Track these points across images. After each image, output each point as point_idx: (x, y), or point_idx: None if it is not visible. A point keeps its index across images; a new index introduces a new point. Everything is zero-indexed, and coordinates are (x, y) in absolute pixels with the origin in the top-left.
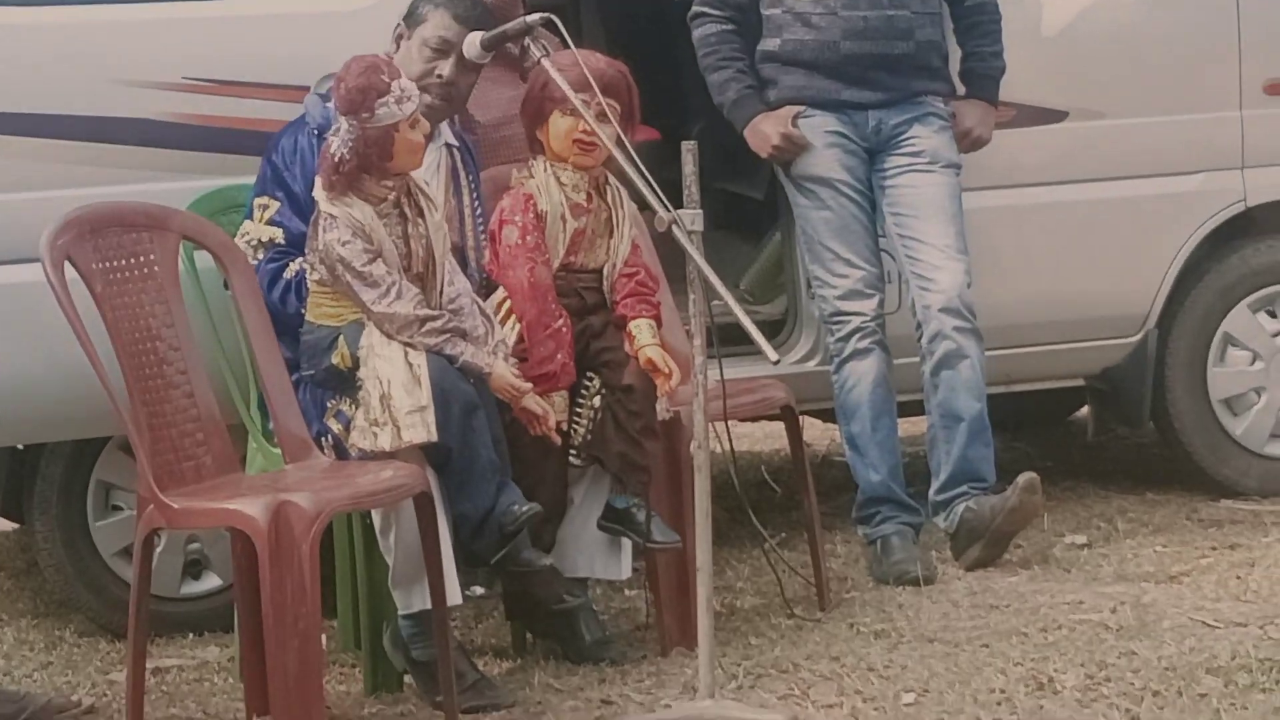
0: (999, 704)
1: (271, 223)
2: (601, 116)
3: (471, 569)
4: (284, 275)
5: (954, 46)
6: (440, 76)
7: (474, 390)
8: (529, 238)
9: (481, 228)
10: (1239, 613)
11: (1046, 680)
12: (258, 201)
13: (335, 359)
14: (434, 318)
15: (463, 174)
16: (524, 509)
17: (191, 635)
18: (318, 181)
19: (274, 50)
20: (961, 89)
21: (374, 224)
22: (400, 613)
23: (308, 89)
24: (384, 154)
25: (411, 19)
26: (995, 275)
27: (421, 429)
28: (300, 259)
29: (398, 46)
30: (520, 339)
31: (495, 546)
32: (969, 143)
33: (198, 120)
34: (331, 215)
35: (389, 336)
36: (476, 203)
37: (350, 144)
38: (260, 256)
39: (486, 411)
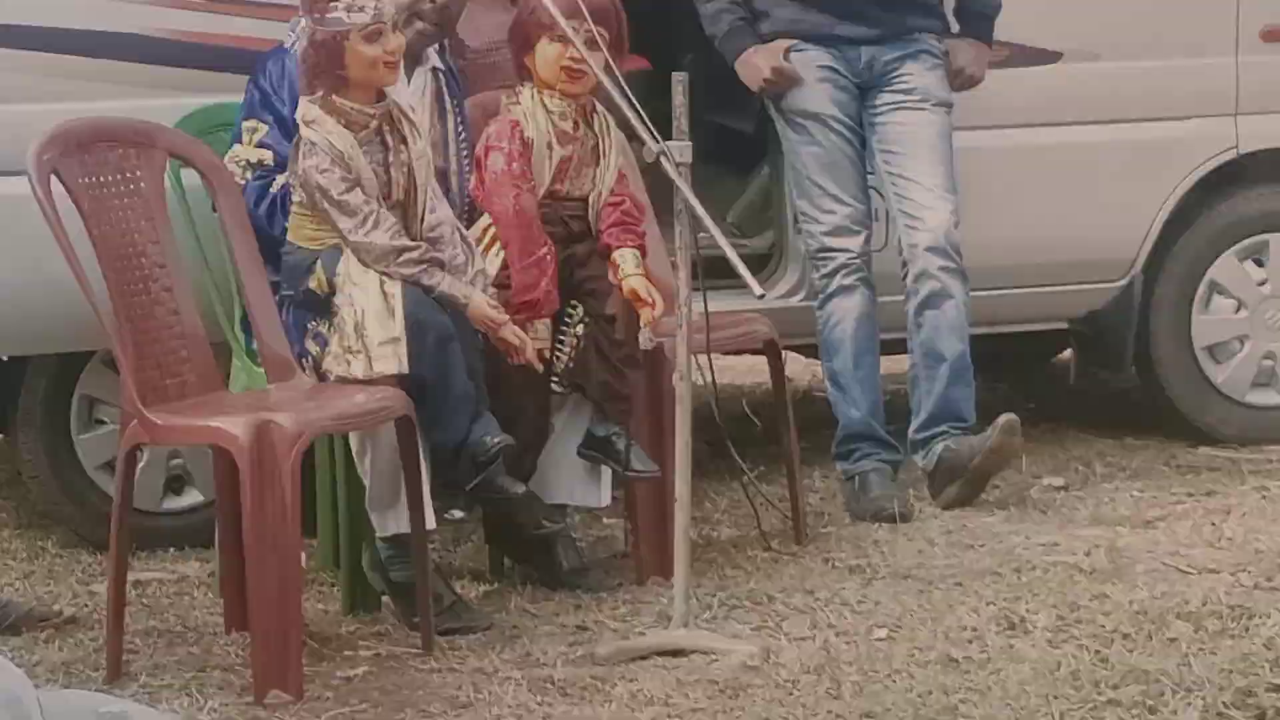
0: (970, 642)
1: (260, 145)
2: (590, 44)
3: (448, 494)
4: (270, 191)
5: None
6: (433, 1)
7: (450, 321)
8: (515, 164)
9: (466, 153)
10: (1212, 559)
11: (1018, 620)
12: (246, 124)
13: (313, 283)
14: (411, 248)
15: (448, 99)
16: (496, 439)
17: (172, 550)
18: (301, 102)
19: None
20: (956, 27)
21: (353, 152)
22: (377, 535)
23: (296, 8)
24: (334, 62)
25: None
26: (983, 216)
27: (393, 360)
28: (285, 175)
29: None
30: (504, 266)
31: (469, 475)
32: (961, 81)
33: (189, 37)
34: (311, 142)
35: (365, 265)
36: (461, 128)
37: (304, 45)
38: (248, 177)
39: (464, 342)
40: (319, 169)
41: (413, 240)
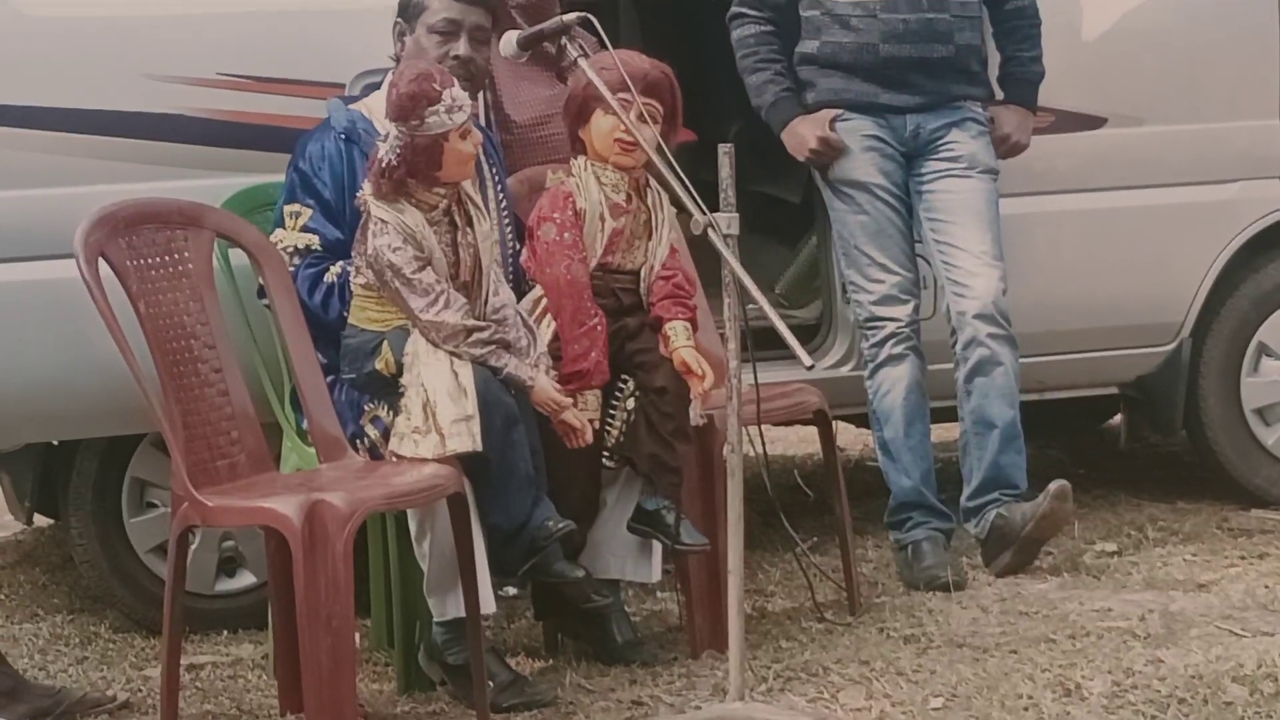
0: (1026, 710)
1: (305, 229)
2: (643, 118)
3: (501, 577)
4: (324, 279)
5: (993, 51)
6: (457, 57)
7: (515, 402)
8: (567, 234)
9: (507, 220)
10: (1266, 622)
11: (1074, 686)
12: (288, 209)
13: (379, 364)
14: (480, 328)
15: (485, 165)
16: (558, 525)
17: (226, 632)
18: (366, 186)
19: (309, 46)
20: (1000, 94)
21: (424, 231)
22: (435, 619)
23: (342, 86)
24: (432, 163)
25: (409, 11)
26: (1031, 282)
27: (467, 438)
28: (340, 263)
29: (403, 44)
30: (555, 336)
31: (525, 557)
32: (1007, 148)
33: (232, 116)
34: (383, 220)
35: (434, 345)
36: (501, 194)
37: (399, 151)
38: (296, 263)
39: (526, 424)
40: (391, 247)
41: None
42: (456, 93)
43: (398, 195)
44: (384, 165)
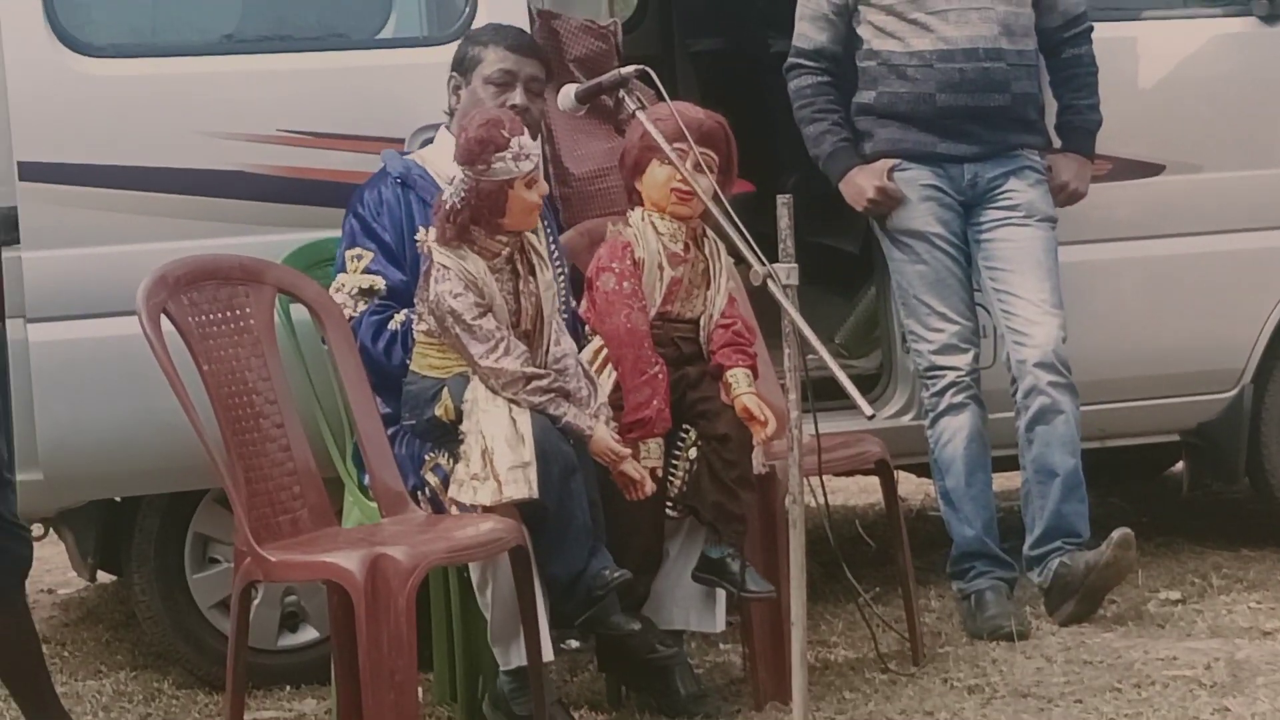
0: None
1: (368, 271)
2: (698, 167)
3: (561, 629)
4: (389, 327)
5: (1050, 99)
6: (514, 106)
7: (574, 452)
8: (626, 284)
9: (560, 272)
10: None
11: None
12: (349, 253)
13: (439, 411)
14: (540, 376)
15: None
16: (614, 575)
17: (289, 687)
18: (430, 232)
19: (369, 102)
20: (1057, 142)
21: (486, 278)
22: (501, 669)
23: (402, 141)
24: (496, 209)
25: (463, 65)
26: (1091, 330)
27: (524, 485)
28: (405, 310)
29: (457, 98)
30: (616, 386)
31: (582, 609)
32: (1065, 196)
33: (292, 173)
34: (445, 266)
35: (494, 392)
36: (554, 246)
37: (463, 195)
38: (361, 308)
39: (584, 474)
40: (453, 293)
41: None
42: (525, 141)
43: (461, 241)
44: (449, 209)
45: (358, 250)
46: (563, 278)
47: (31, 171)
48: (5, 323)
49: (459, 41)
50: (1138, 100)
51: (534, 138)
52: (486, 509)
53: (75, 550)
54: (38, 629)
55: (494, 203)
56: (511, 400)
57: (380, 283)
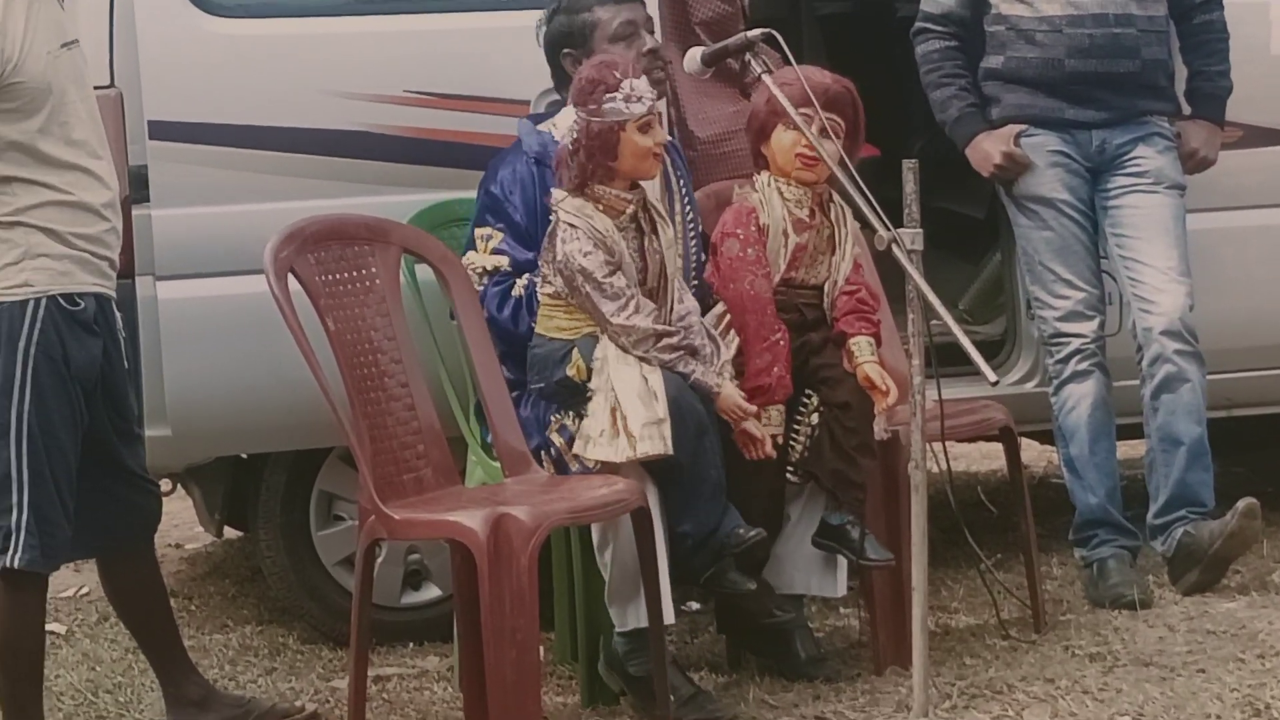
0: None
1: (495, 252)
2: (824, 132)
3: (682, 586)
4: (512, 294)
5: (1180, 65)
6: (651, 51)
7: (705, 410)
8: (750, 250)
9: (693, 232)
10: None
11: (1263, 707)
12: (479, 232)
13: (570, 371)
14: (670, 333)
15: (673, 177)
16: (750, 533)
17: (411, 644)
18: (555, 191)
19: (495, 64)
20: (1187, 109)
21: (614, 236)
22: (616, 630)
23: (528, 103)
24: (608, 151)
25: (576, 37)
26: (1218, 298)
27: (659, 441)
28: (526, 275)
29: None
30: (738, 352)
31: (709, 564)
32: (1194, 164)
33: (419, 134)
34: (572, 225)
35: (624, 350)
36: (688, 206)
37: (576, 134)
38: (485, 282)
39: (714, 432)
40: (583, 252)
41: None
42: (638, 84)
43: (583, 190)
44: (564, 151)
45: (487, 230)
46: (695, 239)
47: (161, 130)
48: (135, 280)
49: (558, 18)
50: (1269, 67)
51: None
52: (616, 466)
53: (202, 506)
54: (166, 583)
55: (605, 144)
56: (642, 358)
57: (505, 263)
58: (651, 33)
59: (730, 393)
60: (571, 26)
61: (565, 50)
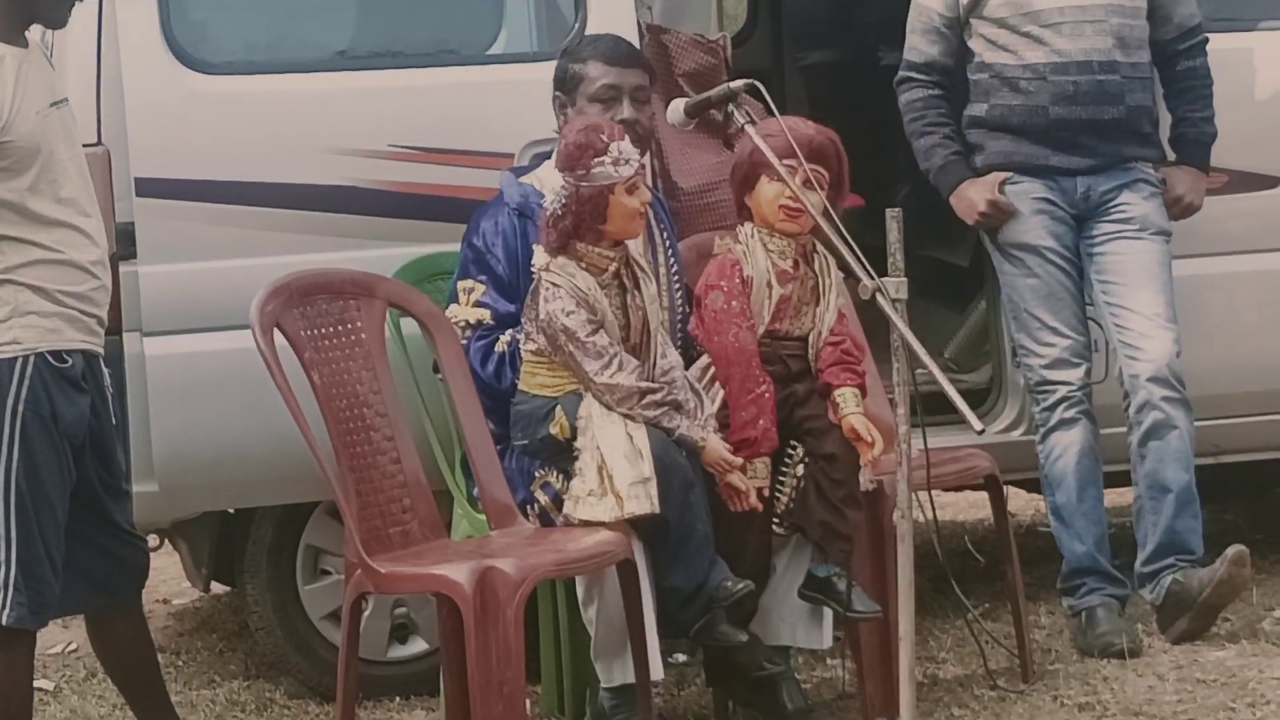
0: None
1: (478, 304)
2: (808, 183)
3: (671, 640)
4: (495, 349)
5: (1164, 111)
6: (623, 120)
7: (690, 465)
8: (734, 303)
9: (678, 285)
10: None
11: None
12: (461, 284)
13: (554, 429)
14: (654, 389)
15: (656, 230)
16: (738, 585)
17: (398, 698)
18: (537, 249)
19: (478, 118)
20: (1172, 155)
21: (596, 294)
22: (602, 685)
23: (512, 157)
24: (597, 215)
25: (567, 84)
26: (1205, 344)
27: (645, 500)
28: (510, 331)
29: (565, 118)
30: (723, 404)
31: (698, 618)
32: (1180, 210)
33: (404, 188)
34: (554, 284)
35: (608, 408)
36: (673, 259)
37: (564, 201)
38: (467, 336)
39: (700, 485)
40: (565, 311)
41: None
42: (625, 146)
43: (566, 253)
44: (550, 215)
45: (470, 283)
46: (680, 291)
47: (148, 187)
48: (122, 336)
49: (559, 59)
50: (1253, 112)
51: (646, 146)
52: (604, 525)
53: (190, 561)
54: (153, 638)
55: (595, 209)
56: (626, 415)
57: (487, 315)
58: (642, 103)
59: (715, 446)
60: (566, 72)
61: (556, 93)
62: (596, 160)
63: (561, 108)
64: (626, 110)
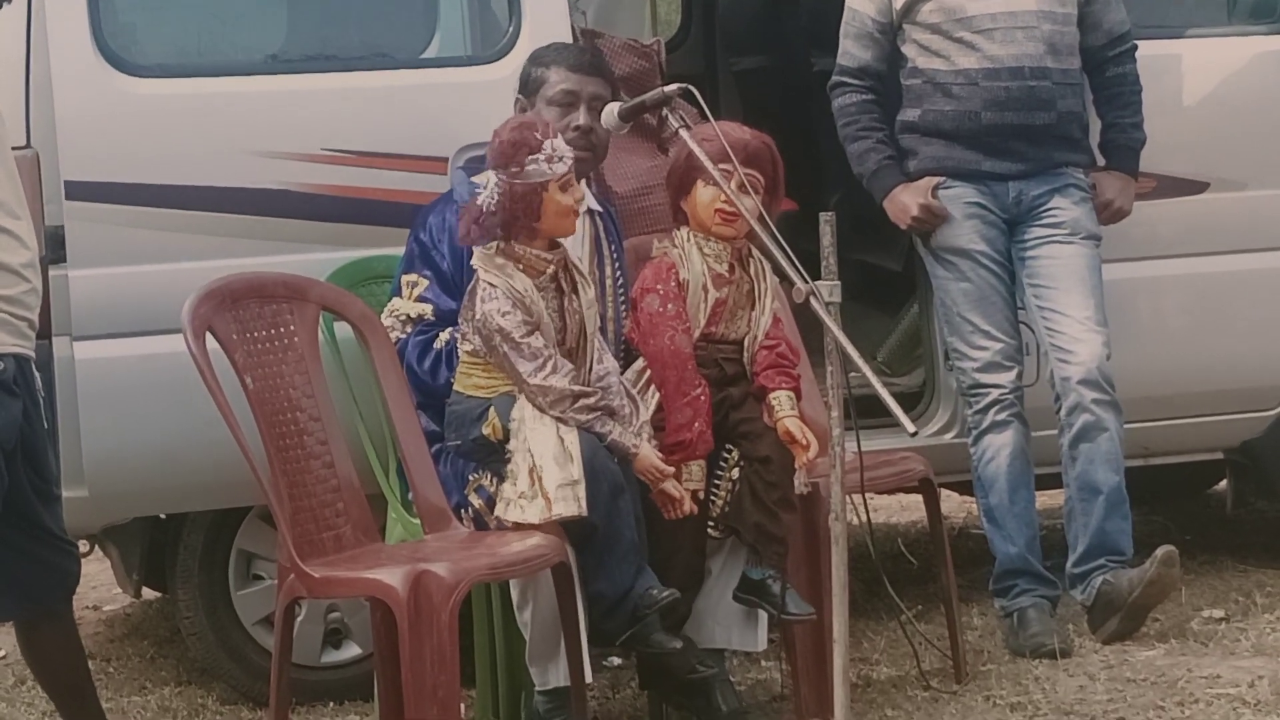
0: None
1: (420, 299)
2: (744, 188)
3: (601, 646)
4: (434, 346)
5: (1094, 117)
6: (578, 127)
7: (620, 470)
8: (670, 306)
9: (623, 297)
10: None
11: None
12: (405, 278)
13: (486, 430)
14: (587, 394)
15: (604, 242)
16: (662, 594)
17: (332, 703)
18: (476, 250)
19: (411, 122)
20: (1101, 160)
21: (533, 296)
22: (537, 689)
23: (445, 160)
24: (531, 212)
25: (528, 87)
26: (1134, 347)
27: (573, 503)
28: (449, 329)
29: None
30: (659, 407)
31: (626, 626)
32: (1110, 214)
33: (335, 191)
34: (491, 284)
35: (541, 410)
36: (619, 271)
37: (497, 198)
38: (408, 330)
39: (630, 492)
40: (500, 311)
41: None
42: (559, 144)
43: (506, 245)
44: (480, 210)
45: (414, 277)
46: (624, 299)
47: (78, 190)
48: (52, 340)
49: (525, 63)
50: (1182, 118)
51: (601, 156)
52: (534, 527)
53: (120, 566)
54: (84, 645)
55: (528, 205)
56: (559, 419)
57: (429, 311)
58: (596, 111)
59: (647, 453)
60: (529, 75)
61: (518, 95)
62: (531, 157)
63: (521, 110)
64: (582, 117)
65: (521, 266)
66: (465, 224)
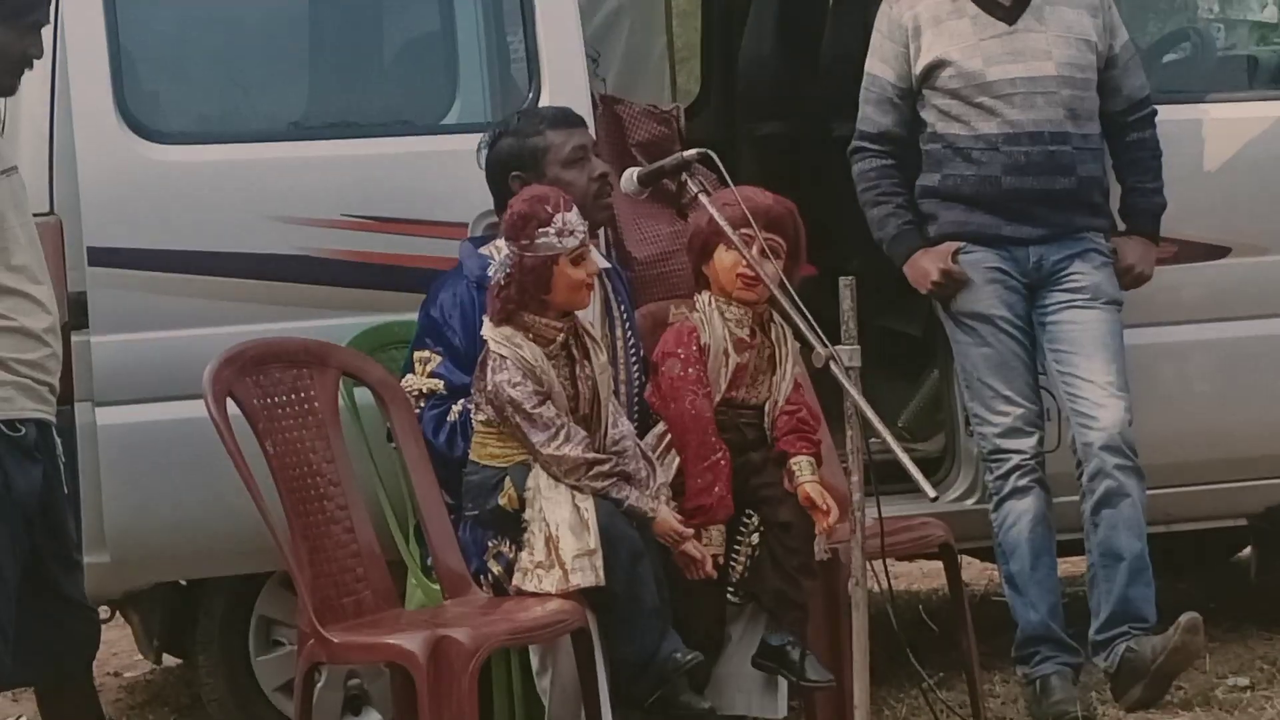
0: None
1: (433, 375)
2: (765, 253)
3: (628, 710)
4: (448, 419)
5: (1114, 182)
6: (602, 175)
7: (639, 536)
8: (691, 370)
9: (635, 357)
10: None
11: None
12: (418, 355)
13: (502, 500)
14: (601, 461)
15: (614, 303)
16: (687, 657)
17: None
18: (486, 321)
19: (431, 188)
20: (1122, 225)
21: (543, 365)
22: None
23: (465, 226)
24: (541, 285)
25: (527, 160)
26: (1157, 413)
27: (590, 573)
28: (461, 401)
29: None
30: (679, 471)
31: (652, 689)
32: (1131, 279)
33: (357, 257)
34: (501, 356)
35: (556, 479)
36: (630, 332)
37: (508, 270)
38: (421, 405)
39: (650, 555)
40: (511, 383)
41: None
42: (570, 218)
43: (513, 325)
44: (494, 284)
45: (426, 353)
46: (636, 362)
47: (101, 257)
48: (74, 406)
49: (503, 143)
50: (1203, 182)
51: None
52: (554, 596)
53: (141, 632)
54: (105, 712)
55: (539, 279)
56: (574, 487)
57: (441, 386)
58: (600, 156)
59: (666, 516)
60: (522, 150)
61: (514, 173)
62: (541, 230)
63: (524, 185)
64: (600, 165)
65: (531, 336)
66: (491, 304)
